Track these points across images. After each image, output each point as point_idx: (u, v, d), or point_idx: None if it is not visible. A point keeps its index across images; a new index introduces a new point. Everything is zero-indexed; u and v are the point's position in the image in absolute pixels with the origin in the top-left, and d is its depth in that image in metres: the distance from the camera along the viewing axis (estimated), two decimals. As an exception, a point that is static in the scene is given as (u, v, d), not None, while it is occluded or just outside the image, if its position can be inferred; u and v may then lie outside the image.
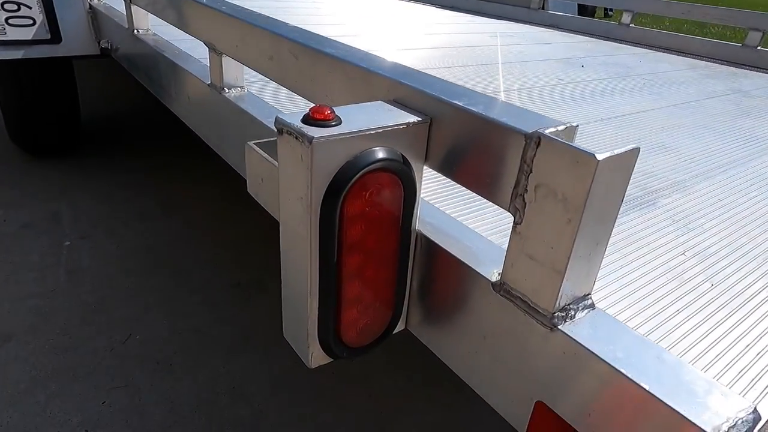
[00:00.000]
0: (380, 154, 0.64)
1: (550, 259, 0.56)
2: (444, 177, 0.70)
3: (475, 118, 0.62)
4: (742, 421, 0.47)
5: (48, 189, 2.80)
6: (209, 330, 1.94)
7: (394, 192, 0.68)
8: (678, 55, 3.07)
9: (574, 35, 3.49)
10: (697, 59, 2.98)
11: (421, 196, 1.02)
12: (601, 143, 1.42)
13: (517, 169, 0.57)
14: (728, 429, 0.45)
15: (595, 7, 7.98)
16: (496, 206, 0.62)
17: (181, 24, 1.48)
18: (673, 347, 0.71)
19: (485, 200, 0.64)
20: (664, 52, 3.13)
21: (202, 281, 2.20)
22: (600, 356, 0.54)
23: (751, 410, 0.48)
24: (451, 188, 1.06)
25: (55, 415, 1.55)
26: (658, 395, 0.49)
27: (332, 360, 0.76)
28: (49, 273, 2.15)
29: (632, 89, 2.12)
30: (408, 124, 0.66)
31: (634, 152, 0.53)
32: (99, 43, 2.45)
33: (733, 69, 2.81)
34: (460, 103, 0.64)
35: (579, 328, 0.58)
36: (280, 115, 0.63)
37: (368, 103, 0.72)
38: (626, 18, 3.35)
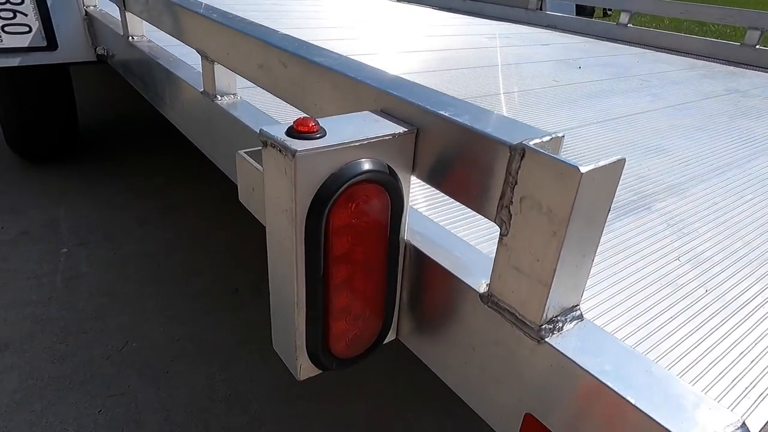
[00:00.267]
0: (366, 165, 0.63)
1: (536, 271, 0.55)
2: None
3: (460, 128, 0.62)
4: (730, 437, 0.46)
5: (46, 195, 2.80)
6: (206, 337, 1.94)
7: (380, 203, 0.67)
8: (676, 54, 3.06)
9: (572, 36, 3.48)
10: (696, 59, 2.97)
11: (415, 205, 1.02)
12: (595, 146, 1.42)
13: (503, 180, 0.57)
14: (715, 445, 0.45)
15: (594, 7, 7.97)
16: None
17: (174, 32, 1.48)
18: (665, 356, 0.71)
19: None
20: (662, 51, 3.12)
21: (201, 287, 2.19)
22: (587, 369, 0.53)
23: (739, 425, 0.47)
24: (444, 196, 1.06)
25: (52, 425, 1.55)
26: (644, 410, 0.48)
27: (321, 372, 0.75)
28: (46, 280, 2.15)
29: (629, 90, 2.11)
30: (394, 134, 0.66)
31: (620, 163, 0.52)
32: (95, 49, 2.45)
33: (732, 68, 2.80)
34: (446, 114, 0.63)
35: (566, 341, 0.57)
36: (264, 128, 0.63)
37: (355, 114, 0.72)
38: (624, 18, 3.34)
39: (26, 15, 2.31)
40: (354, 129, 0.65)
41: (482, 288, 0.65)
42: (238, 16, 1.18)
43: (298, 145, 0.58)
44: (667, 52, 3.10)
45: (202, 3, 1.31)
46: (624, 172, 1.40)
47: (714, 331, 0.77)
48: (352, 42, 2.59)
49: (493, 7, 4.09)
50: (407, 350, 0.83)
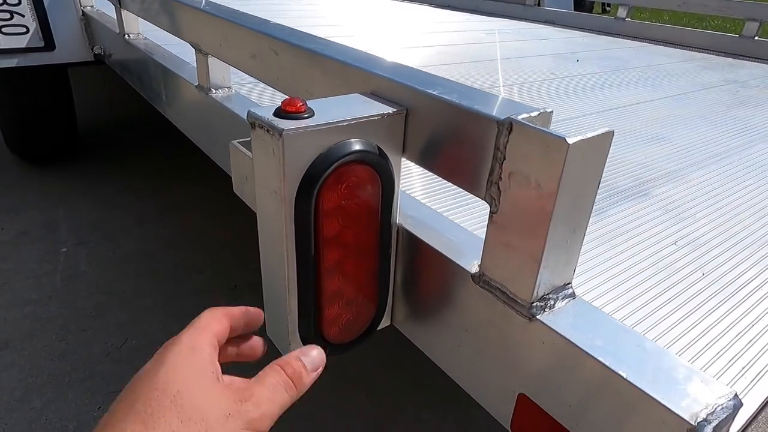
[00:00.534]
0: (355, 146, 0.63)
1: (527, 246, 0.55)
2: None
3: (449, 106, 0.61)
4: (722, 408, 0.45)
5: (46, 195, 2.80)
6: (206, 333, 1.93)
7: (370, 184, 0.67)
8: (675, 47, 3.05)
9: (571, 31, 3.47)
10: (695, 51, 2.96)
11: (408, 190, 1.01)
12: (593, 135, 1.41)
13: (491, 156, 0.56)
14: (707, 416, 0.44)
15: (593, 1, 7.95)
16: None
17: (168, 26, 1.47)
18: (661, 338, 0.70)
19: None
20: (661, 45, 3.11)
21: (200, 284, 2.19)
22: (578, 345, 0.52)
23: (731, 396, 0.46)
24: (441, 181, 1.05)
25: (51, 421, 1.54)
26: (635, 383, 0.47)
27: (314, 357, 0.74)
28: (46, 280, 2.15)
29: (627, 82, 2.10)
30: (383, 115, 0.65)
31: (608, 136, 0.52)
32: (92, 49, 2.45)
33: (731, 60, 2.79)
34: (435, 92, 0.63)
35: (558, 318, 0.56)
36: (252, 109, 0.62)
37: (344, 96, 0.71)
38: (622, 12, 3.33)
39: (23, 16, 2.32)
40: (343, 110, 0.64)
41: (474, 268, 0.64)
42: (230, 8, 1.17)
43: (286, 124, 0.58)
44: (665, 46, 3.09)
45: (195, -3, 1.31)
46: (622, 159, 1.38)
47: (711, 313, 0.77)
48: (348, 40, 2.58)
49: (491, 3, 4.08)
50: (405, 340, 0.82)
